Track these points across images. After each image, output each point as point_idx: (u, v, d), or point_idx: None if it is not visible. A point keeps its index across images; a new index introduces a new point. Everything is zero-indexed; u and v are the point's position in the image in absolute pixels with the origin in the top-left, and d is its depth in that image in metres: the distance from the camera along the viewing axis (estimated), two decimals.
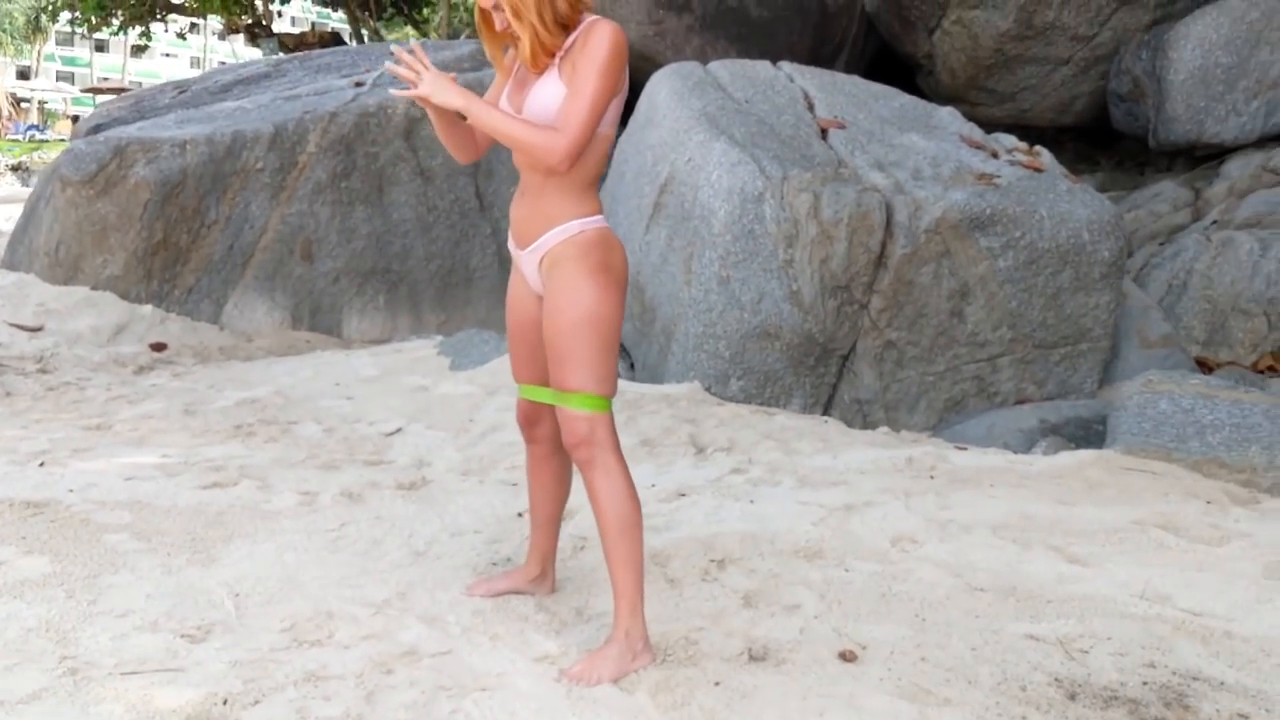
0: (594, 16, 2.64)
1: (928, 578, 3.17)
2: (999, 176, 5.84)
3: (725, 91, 6.60)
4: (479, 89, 8.22)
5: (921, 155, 5.99)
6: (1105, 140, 9.68)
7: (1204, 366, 6.28)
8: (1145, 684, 2.55)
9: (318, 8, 29.08)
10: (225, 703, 2.43)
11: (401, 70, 2.60)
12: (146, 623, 2.82)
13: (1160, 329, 6.07)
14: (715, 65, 7.10)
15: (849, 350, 5.50)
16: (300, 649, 2.73)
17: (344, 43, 23.14)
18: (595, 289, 2.60)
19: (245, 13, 22.65)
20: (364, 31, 25.18)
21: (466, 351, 5.97)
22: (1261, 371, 6.28)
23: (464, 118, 2.67)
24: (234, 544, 3.44)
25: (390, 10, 26.59)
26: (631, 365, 6.44)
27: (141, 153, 7.23)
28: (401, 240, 8.05)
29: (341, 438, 4.79)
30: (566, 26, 2.60)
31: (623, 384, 5.38)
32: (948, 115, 6.89)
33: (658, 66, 8.14)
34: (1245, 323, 6.67)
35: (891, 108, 6.88)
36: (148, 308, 7.22)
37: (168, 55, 64.16)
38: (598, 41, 2.54)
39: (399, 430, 4.87)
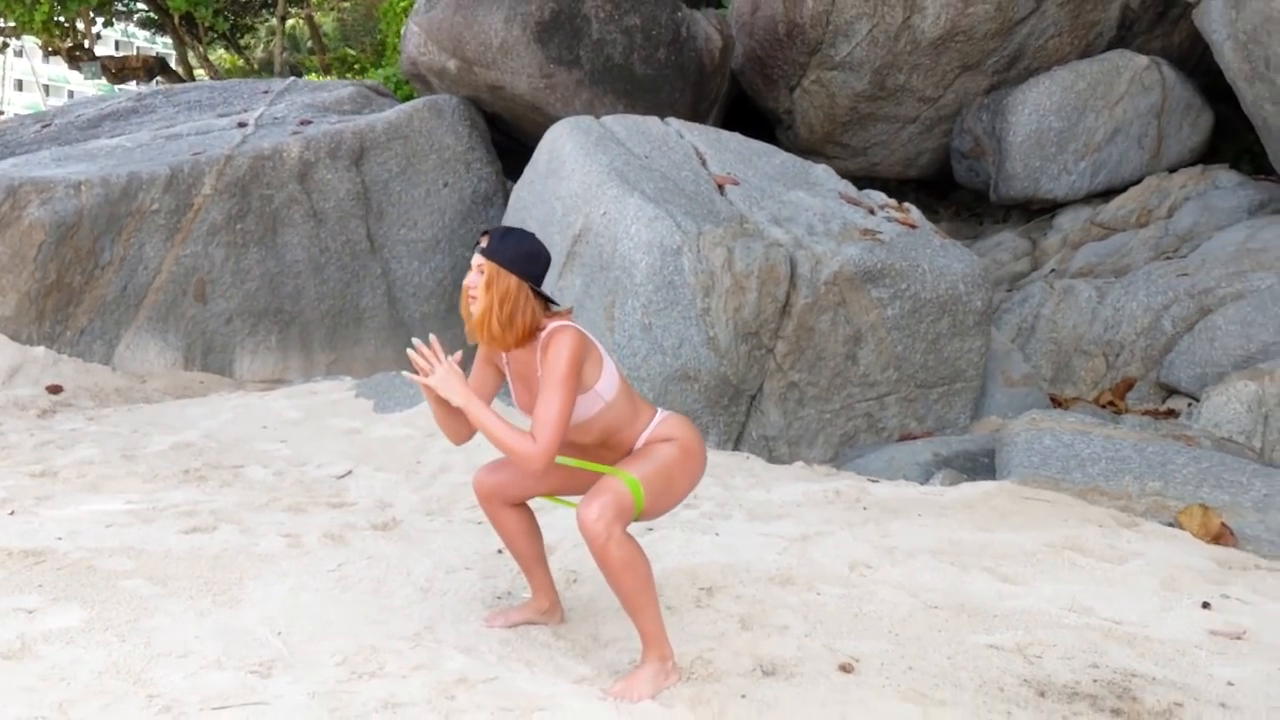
0: (554, 324, 2.97)
1: (889, 598, 3.63)
2: (881, 233, 6.44)
3: (625, 147, 7.03)
4: (363, 132, 8.42)
5: (811, 211, 6.54)
6: (944, 192, 10.54)
7: (1056, 403, 7.03)
8: (1095, 681, 3.07)
9: (143, 31, 28.21)
10: None
11: (418, 360, 2.93)
12: (210, 661, 3.02)
13: (1021, 369, 6.78)
14: (610, 120, 7.52)
15: (757, 390, 5.98)
16: (362, 680, 2.98)
17: (170, 68, 22.58)
18: (681, 457, 3.04)
19: (66, 35, 21.88)
20: (190, 56, 24.63)
21: (389, 394, 6.19)
22: (1104, 406, 7.06)
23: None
24: (247, 586, 3.63)
25: (213, 35, 26.08)
26: None
27: (35, 193, 7.16)
28: (294, 281, 8.17)
29: (294, 481, 4.97)
30: (521, 337, 2.94)
31: None
32: (823, 173, 7.50)
33: (547, 117, 8.53)
34: (1087, 362, 7.47)
35: (773, 164, 7.45)
36: (40, 349, 7.14)
37: None
38: (556, 354, 2.87)
39: (349, 473, 5.08)
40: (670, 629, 3.38)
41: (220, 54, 30.28)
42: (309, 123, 8.83)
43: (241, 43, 27.64)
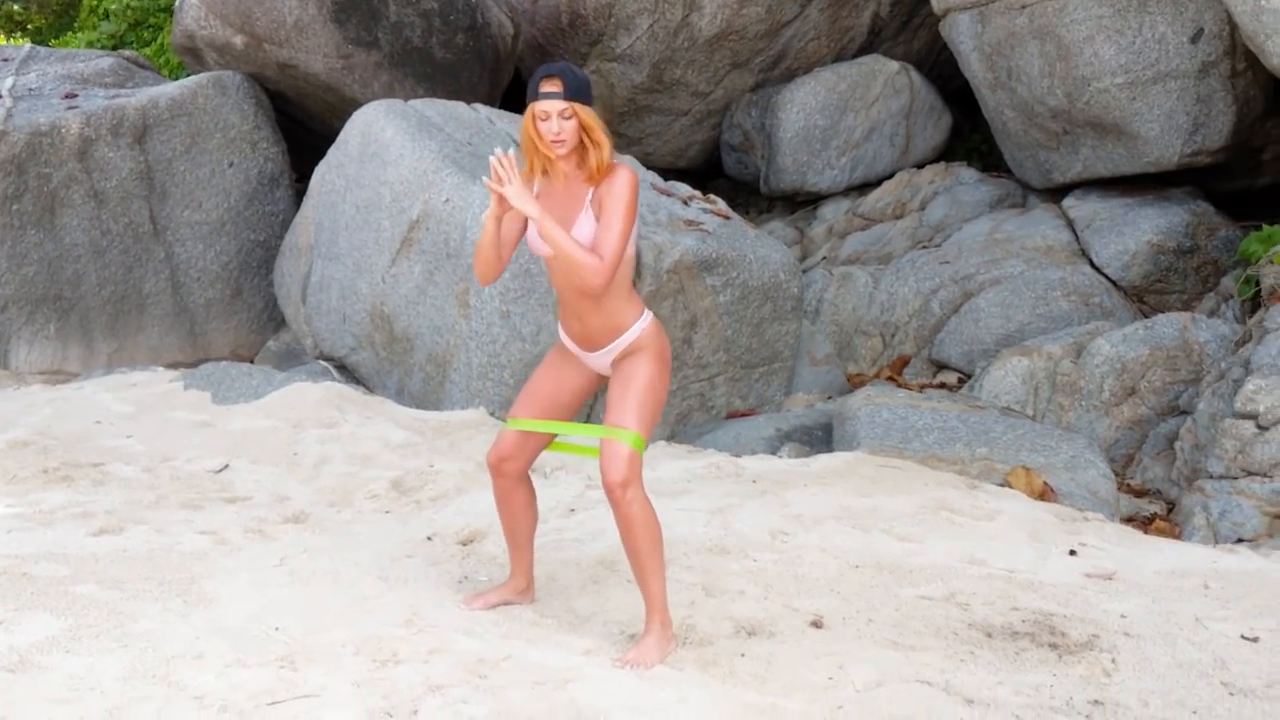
0: (614, 160, 3.22)
1: (817, 560, 4.01)
2: (704, 223, 6.84)
3: (446, 132, 7.08)
4: (146, 108, 7.99)
5: None
6: (708, 182, 11.11)
7: (850, 380, 7.68)
8: (1024, 621, 3.56)
9: None
10: (390, 715, 2.76)
11: (497, 169, 3.05)
12: (231, 660, 3.00)
13: (824, 349, 7.38)
14: (419, 104, 7.52)
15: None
16: (390, 667, 3.06)
17: None
18: (658, 369, 3.27)
19: None
20: None
21: (226, 384, 6.01)
22: (886, 381, 7.79)
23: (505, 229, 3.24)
24: (206, 585, 3.57)
25: None
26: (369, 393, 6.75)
27: None
28: (74, 265, 7.67)
29: (170, 477, 4.80)
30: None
31: (417, 413, 5.75)
32: (629, 162, 7.82)
33: (344, 100, 8.39)
34: (866, 341, 8.20)
35: None
36: None
37: None
38: (621, 185, 3.14)
39: (226, 467, 4.95)
40: (641, 601, 3.61)
41: None
42: (75, 95, 8.27)
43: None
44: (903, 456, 5.35)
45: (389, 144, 6.89)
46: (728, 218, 7.16)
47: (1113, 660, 3.30)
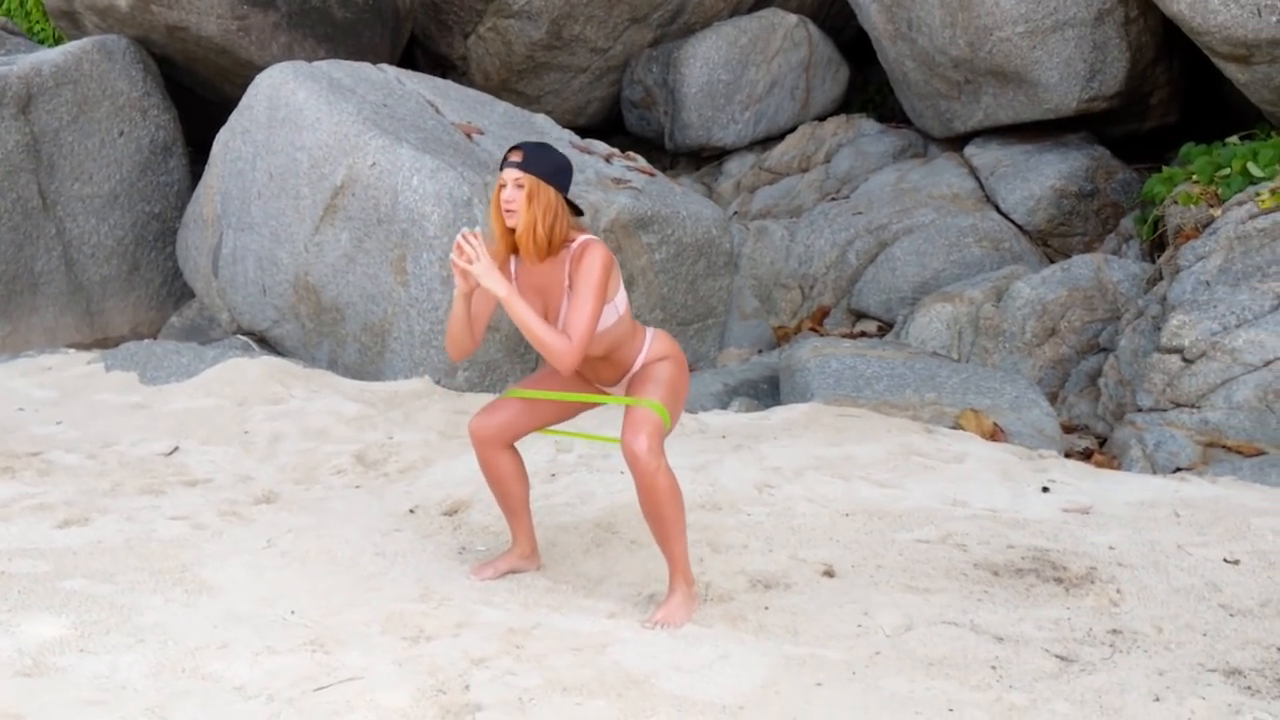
0: (585, 237, 3.15)
1: (808, 511, 4.05)
2: (631, 181, 6.79)
3: (358, 95, 6.85)
4: (29, 76, 7.52)
5: None
6: (607, 138, 11.02)
7: (776, 333, 7.75)
8: (1023, 559, 3.66)
9: None
10: (443, 691, 2.69)
11: (465, 247, 2.98)
12: (260, 647, 2.88)
13: (751, 304, 7.43)
14: (325, 66, 7.26)
15: None
16: (423, 644, 2.98)
17: None
18: (678, 371, 3.30)
19: None
20: None
21: (154, 364, 5.74)
22: (809, 332, 7.88)
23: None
24: (201, 572, 3.42)
25: None
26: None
27: None
28: None
29: (118, 463, 4.57)
30: (557, 247, 3.11)
31: (363, 384, 5.59)
32: (544, 121, 7.71)
33: (238, 61, 8.06)
34: (786, 294, 8.27)
35: (497, 113, 7.56)
36: None
37: None
38: (591, 264, 3.07)
39: (176, 449, 4.74)
40: (650, 562, 3.59)
41: None
42: None
43: None
44: (857, 405, 5.42)
45: (302, 108, 6.63)
46: (652, 174, 7.12)
47: (1117, 590, 3.42)
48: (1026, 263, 7.83)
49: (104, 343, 7.38)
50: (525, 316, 3.01)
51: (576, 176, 6.56)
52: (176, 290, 8.21)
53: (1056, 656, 3.00)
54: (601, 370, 3.27)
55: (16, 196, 7.49)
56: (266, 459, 4.68)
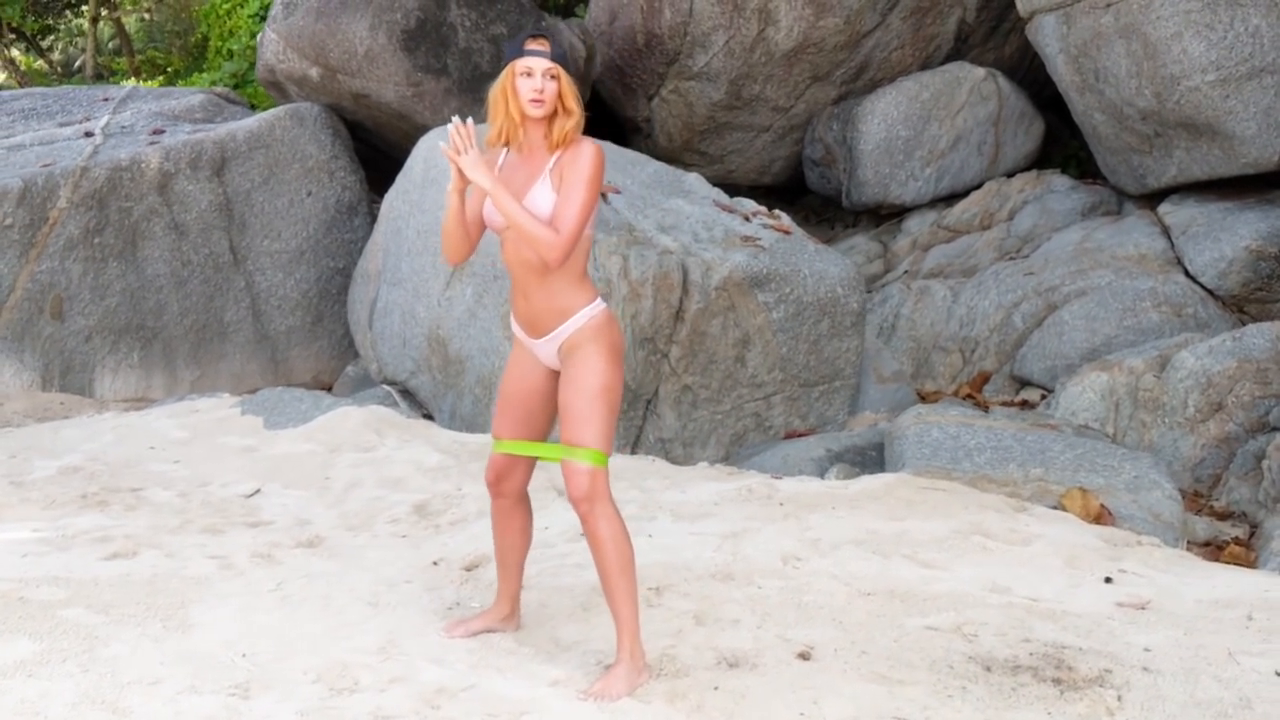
0: (580, 136, 3.13)
1: (825, 588, 3.83)
2: (760, 239, 6.68)
3: None
4: (224, 141, 8.22)
5: (693, 219, 6.74)
6: (794, 198, 10.92)
7: (921, 398, 7.41)
8: (1031, 654, 3.32)
9: None
10: None
11: (455, 138, 2.98)
12: (184, 687, 2.98)
13: (891, 366, 7.13)
14: (484, 127, 7.54)
15: (653, 394, 6.13)
16: (343, 696, 3.00)
17: None
18: (609, 366, 3.11)
19: None
20: None
21: (279, 410, 6.09)
22: (964, 399, 7.48)
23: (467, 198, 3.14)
24: (193, 610, 3.57)
25: (13, 36, 24.75)
26: (428, 416, 6.77)
27: None
28: (156, 296, 7.91)
29: (201, 502, 4.86)
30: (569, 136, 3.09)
31: (456, 435, 5.73)
32: (695, 181, 7.71)
33: (415, 126, 8.49)
34: (945, 358, 7.90)
35: (647, 173, 7.62)
36: None
37: None
38: (585, 158, 3.04)
39: (258, 491, 5.00)
40: None
41: (13, 55, 28.67)
42: (162, 132, 8.56)
43: (43, 44, 26.27)
44: (950, 477, 5.10)
45: (447, 168, 6.91)
46: (788, 232, 6.99)
47: (1119, 698, 3.05)
48: (1212, 330, 7.16)
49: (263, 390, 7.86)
50: (511, 209, 2.96)
51: (700, 234, 6.55)
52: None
53: None
54: (537, 301, 3.12)
55: (209, 251, 8.15)
56: (334, 505, 4.86)
